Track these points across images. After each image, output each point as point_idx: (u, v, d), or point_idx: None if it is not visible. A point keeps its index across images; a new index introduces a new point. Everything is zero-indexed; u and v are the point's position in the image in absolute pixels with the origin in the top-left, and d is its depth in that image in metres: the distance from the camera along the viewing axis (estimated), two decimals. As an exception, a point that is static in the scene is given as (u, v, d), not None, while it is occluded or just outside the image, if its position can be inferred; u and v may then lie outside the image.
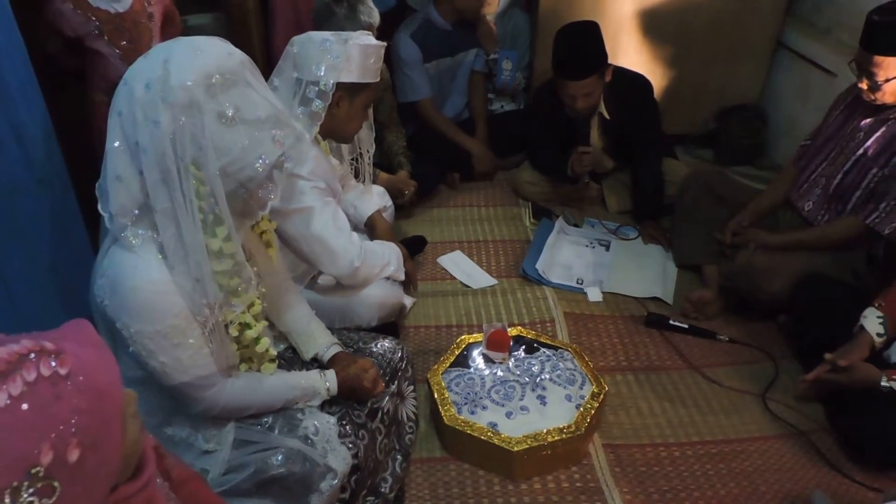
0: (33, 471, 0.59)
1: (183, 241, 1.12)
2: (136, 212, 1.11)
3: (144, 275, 1.12)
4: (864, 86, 1.94)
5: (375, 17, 2.28)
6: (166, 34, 2.25)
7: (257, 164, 1.13)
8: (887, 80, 1.87)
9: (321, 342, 1.55)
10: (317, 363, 1.54)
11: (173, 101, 1.04)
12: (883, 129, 1.99)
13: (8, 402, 0.59)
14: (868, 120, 2.03)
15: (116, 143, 1.08)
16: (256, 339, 1.37)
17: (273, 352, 1.43)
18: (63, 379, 0.63)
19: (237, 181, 1.14)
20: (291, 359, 1.57)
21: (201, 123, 1.06)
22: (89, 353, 0.67)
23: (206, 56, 1.08)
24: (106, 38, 2.13)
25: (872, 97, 1.94)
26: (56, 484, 0.61)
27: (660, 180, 2.68)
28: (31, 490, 0.59)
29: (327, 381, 1.43)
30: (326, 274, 1.87)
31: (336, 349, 1.54)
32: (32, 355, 0.62)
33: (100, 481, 0.67)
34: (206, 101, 1.05)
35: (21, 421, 0.59)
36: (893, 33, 1.83)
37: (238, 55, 1.13)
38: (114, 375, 0.70)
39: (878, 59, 1.86)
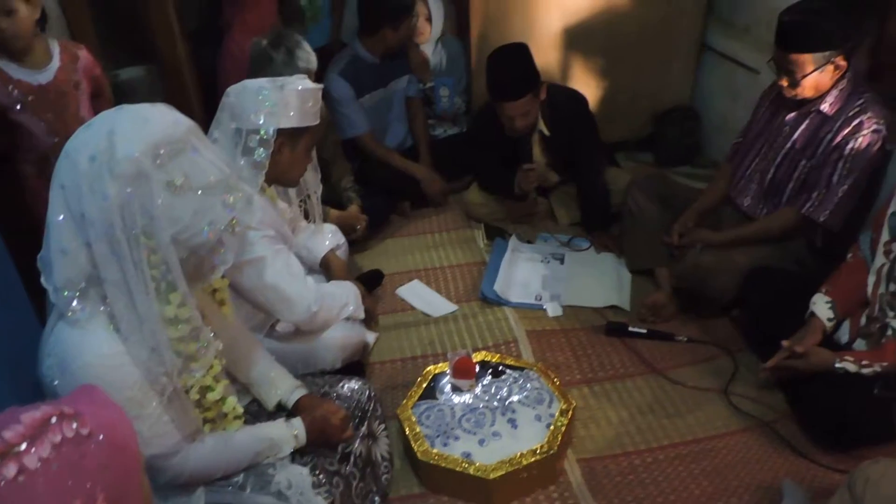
0: None
1: (136, 311, 1.10)
2: (83, 284, 1.09)
3: (94, 350, 1.10)
4: (784, 83, 2.02)
5: (313, 62, 2.29)
6: (96, 105, 2.20)
7: (208, 230, 1.13)
8: (805, 76, 1.95)
9: (283, 388, 1.53)
10: (282, 411, 1.52)
11: (121, 173, 1.02)
12: (807, 121, 2.08)
13: (39, 464, 0.63)
14: (792, 114, 2.12)
15: (61, 217, 1.06)
16: (221, 401, 1.35)
17: (240, 409, 1.41)
18: (86, 438, 0.68)
19: (189, 247, 1.13)
20: (257, 412, 1.55)
21: (150, 193, 1.05)
22: (105, 413, 0.73)
23: (152, 126, 1.07)
24: (30, 111, 2.03)
25: (793, 93, 2.02)
26: None
27: (604, 190, 2.74)
28: None
29: (295, 429, 1.41)
30: (284, 321, 1.85)
31: (300, 392, 1.53)
32: (54, 419, 0.66)
33: None
34: (154, 171, 1.04)
35: (54, 480, 0.64)
36: (804, 31, 1.92)
37: (184, 123, 1.12)
38: (130, 431, 0.76)
39: (794, 56, 1.94)
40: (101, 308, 1.10)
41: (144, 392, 1.15)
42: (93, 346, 1.10)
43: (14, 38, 1.93)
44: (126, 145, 1.03)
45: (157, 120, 1.08)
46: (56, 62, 2.06)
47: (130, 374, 1.12)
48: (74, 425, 0.67)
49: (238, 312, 1.64)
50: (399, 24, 2.84)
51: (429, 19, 3.10)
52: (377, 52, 2.91)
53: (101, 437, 0.69)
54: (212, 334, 1.30)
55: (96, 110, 2.22)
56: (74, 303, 1.09)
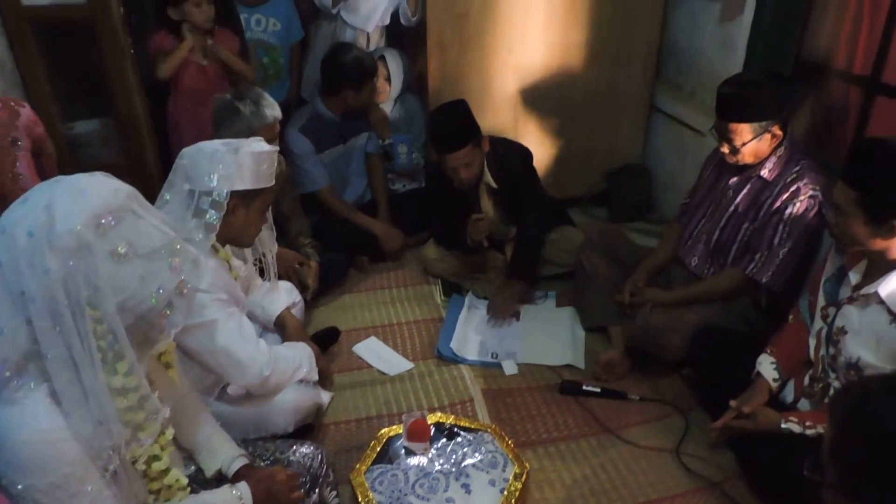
0: None
1: (82, 385, 1.07)
2: (22, 361, 1.07)
3: (32, 425, 1.06)
4: (725, 150, 2.12)
5: (277, 111, 2.32)
6: (39, 163, 2.18)
7: (155, 296, 1.12)
8: (744, 144, 2.05)
9: (223, 456, 1.49)
10: (224, 481, 1.48)
11: (61, 247, 1.01)
12: (748, 186, 2.17)
13: None
14: (735, 178, 2.21)
15: None
16: (166, 471, 1.31)
17: (184, 480, 1.37)
18: None
19: (136, 314, 1.11)
20: (205, 480, 1.51)
21: (94, 264, 1.03)
22: None
23: (91, 197, 1.06)
24: None
25: (734, 159, 2.12)
26: None
27: (537, 244, 2.75)
28: None
29: (239, 493, 1.38)
30: (236, 385, 1.82)
31: (241, 462, 1.49)
32: None
33: None
34: (96, 242, 1.03)
35: None
36: (741, 103, 2.03)
37: (123, 189, 1.11)
38: None
39: (733, 125, 2.05)
40: (41, 384, 1.08)
41: (85, 467, 1.12)
42: (30, 422, 1.06)
43: None
44: (65, 218, 1.02)
45: (95, 190, 1.07)
46: None
47: (69, 450, 1.09)
48: None
49: (188, 375, 1.61)
50: (361, 86, 2.90)
51: (388, 79, 3.17)
52: (338, 111, 2.95)
53: None
54: (159, 400, 1.27)
55: (39, 168, 2.20)
56: (11, 382, 1.06)
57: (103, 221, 1.05)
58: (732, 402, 1.83)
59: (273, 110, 2.29)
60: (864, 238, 1.58)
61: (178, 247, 1.15)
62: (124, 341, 1.09)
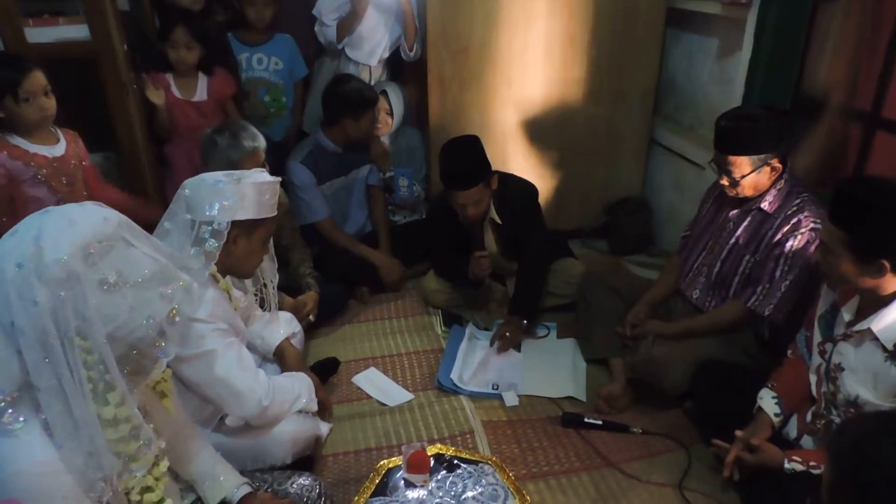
0: None
1: (72, 416, 1.06)
2: (17, 393, 1.06)
3: (27, 457, 1.05)
4: (724, 182, 2.13)
5: (260, 142, 2.33)
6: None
7: (146, 325, 1.11)
8: (743, 177, 2.07)
9: (228, 485, 1.47)
10: None
11: (50, 278, 1.00)
12: (748, 218, 2.17)
13: None
14: (735, 211, 2.22)
15: None
16: (159, 503, 1.29)
17: (178, 513, 1.35)
18: None
19: (127, 344, 1.10)
20: (203, 512, 1.49)
21: (83, 294, 1.02)
22: None
23: (79, 227, 1.05)
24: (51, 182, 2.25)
25: (734, 192, 2.13)
26: None
27: (539, 281, 2.75)
28: None
29: None
30: (234, 416, 1.81)
31: (245, 489, 1.48)
32: None
33: None
34: (85, 272, 1.03)
35: None
36: (739, 135, 2.04)
37: (114, 218, 1.10)
38: None
39: (731, 158, 2.06)
40: (35, 416, 1.07)
41: (79, 500, 1.10)
42: (25, 453, 1.05)
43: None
44: (54, 249, 1.01)
45: (84, 219, 1.07)
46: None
47: (64, 482, 1.08)
48: None
49: (185, 406, 1.59)
50: (360, 116, 2.93)
51: (390, 113, 3.21)
52: (339, 142, 2.98)
53: None
54: (153, 431, 1.26)
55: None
56: (7, 413, 1.05)
57: (92, 251, 1.04)
58: (738, 433, 1.81)
59: (254, 141, 2.31)
60: (854, 277, 1.57)
61: (170, 274, 1.14)
62: (115, 371, 1.08)
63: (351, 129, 2.94)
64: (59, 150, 2.32)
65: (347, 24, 3.14)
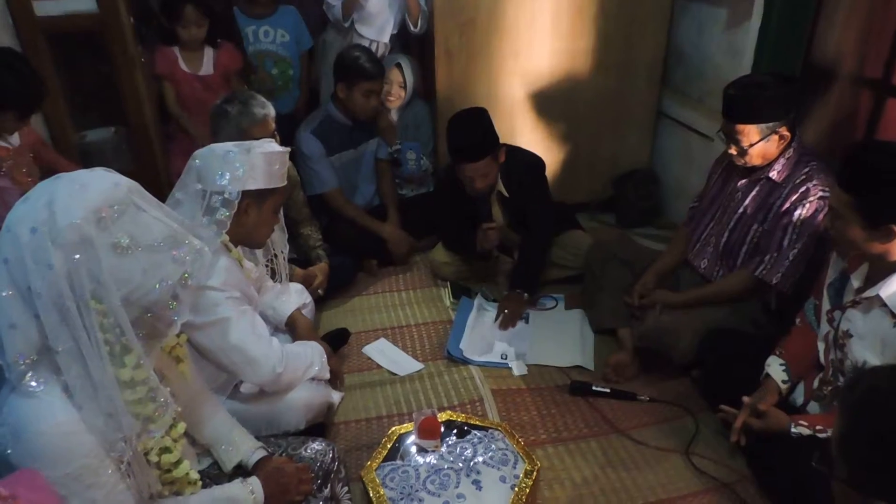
0: None
1: (91, 378, 1.09)
2: (36, 356, 1.08)
3: (49, 418, 1.08)
4: (733, 151, 2.13)
5: (270, 109, 2.32)
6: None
7: (160, 288, 1.13)
8: (751, 145, 2.06)
9: (244, 448, 1.51)
10: (242, 473, 1.49)
11: (64, 242, 1.02)
12: (757, 188, 2.17)
13: None
14: (743, 181, 2.22)
15: (6, 292, 1.06)
16: (177, 463, 1.33)
17: (195, 475, 1.38)
18: None
19: (141, 307, 1.12)
20: (217, 475, 1.52)
21: (96, 258, 1.04)
22: (40, 497, 0.74)
23: (91, 191, 1.07)
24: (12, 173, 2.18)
25: (742, 161, 2.12)
26: None
27: (542, 255, 2.75)
28: None
29: (251, 487, 1.40)
30: (249, 383, 1.84)
31: (261, 453, 1.52)
32: None
33: None
34: (98, 236, 1.04)
35: None
36: (748, 103, 2.03)
37: (124, 183, 1.12)
38: None
39: (740, 127, 2.05)
40: (55, 378, 1.09)
41: (101, 459, 1.13)
42: (46, 414, 1.08)
43: None
44: (66, 213, 1.03)
45: (95, 184, 1.08)
46: None
47: (85, 441, 1.10)
48: None
49: (201, 374, 1.62)
50: (351, 85, 2.88)
51: (403, 86, 3.18)
52: (349, 115, 2.98)
53: None
54: (170, 394, 1.29)
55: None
56: (28, 376, 1.07)
57: (104, 215, 1.05)
58: (746, 399, 1.83)
59: (265, 108, 2.29)
60: (862, 242, 1.57)
61: (182, 238, 1.15)
62: (130, 334, 1.10)
63: (342, 94, 2.91)
64: (15, 140, 2.29)
65: (351, 1, 3.12)
